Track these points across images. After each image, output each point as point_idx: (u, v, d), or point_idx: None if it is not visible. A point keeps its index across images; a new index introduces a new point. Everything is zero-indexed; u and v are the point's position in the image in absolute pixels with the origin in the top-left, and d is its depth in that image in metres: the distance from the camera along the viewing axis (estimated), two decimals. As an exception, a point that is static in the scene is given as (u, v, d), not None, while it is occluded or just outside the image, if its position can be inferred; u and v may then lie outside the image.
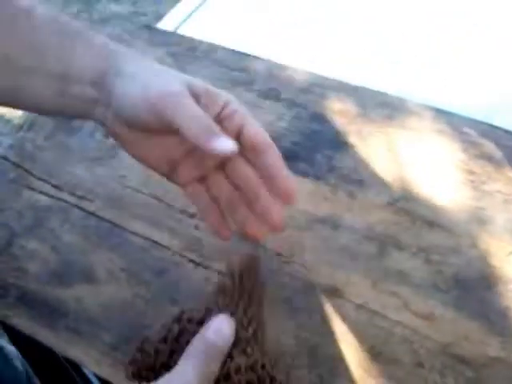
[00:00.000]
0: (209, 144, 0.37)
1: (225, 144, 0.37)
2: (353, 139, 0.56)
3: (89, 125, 0.61)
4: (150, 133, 0.41)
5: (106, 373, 0.45)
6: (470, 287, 0.47)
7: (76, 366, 0.58)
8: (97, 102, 0.41)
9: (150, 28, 0.71)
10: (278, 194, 0.40)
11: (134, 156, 0.43)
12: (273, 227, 0.40)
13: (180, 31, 0.73)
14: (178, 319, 0.40)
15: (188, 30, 0.73)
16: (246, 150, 0.41)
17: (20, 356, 0.56)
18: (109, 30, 0.75)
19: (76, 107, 0.42)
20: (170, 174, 0.44)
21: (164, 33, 0.71)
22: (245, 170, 0.42)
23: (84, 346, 0.47)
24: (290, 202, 0.40)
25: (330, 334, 0.45)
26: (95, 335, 0.47)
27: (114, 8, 2.10)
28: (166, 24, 0.75)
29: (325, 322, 0.46)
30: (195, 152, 0.43)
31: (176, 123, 0.38)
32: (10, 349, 0.59)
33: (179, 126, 0.38)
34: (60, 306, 0.49)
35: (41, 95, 0.42)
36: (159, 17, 0.82)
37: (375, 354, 0.44)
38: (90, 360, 0.46)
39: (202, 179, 0.44)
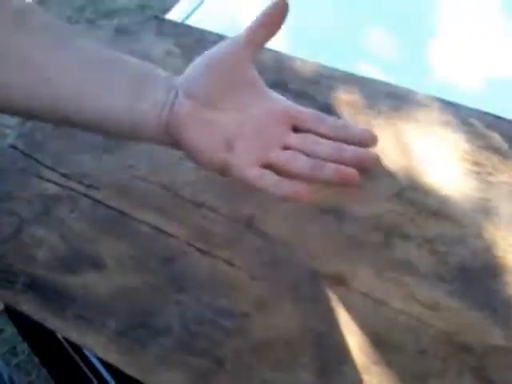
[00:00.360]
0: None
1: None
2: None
3: None
4: (215, 102, 0.45)
5: (112, 358, 0.46)
6: (475, 277, 0.47)
7: (78, 349, 0.59)
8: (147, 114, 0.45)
9: (158, 19, 0.71)
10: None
11: (191, 145, 0.45)
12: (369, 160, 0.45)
13: (188, 22, 0.74)
14: None
15: (196, 22, 0.74)
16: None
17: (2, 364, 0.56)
18: (116, 22, 0.75)
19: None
20: (226, 162, 0.45)
21: (173, 24, 0.71)
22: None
23: (91, 332, 0.47)
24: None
25: (335, 323, 0.46)
26: (102, 322, 0.48)
27: (120, 1, 2.11)
28: (174, 15, 0.76)
29: (330, 310, 0.46)
30: (258, 128, 0.45)
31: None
32: None
33: None
34: (68, 292, 0.50)
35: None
36: (165, 10, 0.82)
37: (379, 342, 0.45)
38: (97, 346, 0.47)
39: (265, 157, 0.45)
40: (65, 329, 0.48)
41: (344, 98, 0.59)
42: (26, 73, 0.44)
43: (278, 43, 0.69)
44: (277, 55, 0.64)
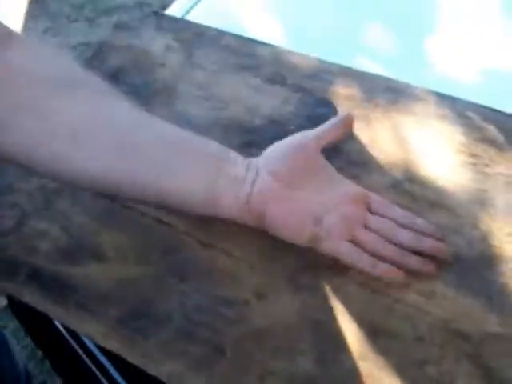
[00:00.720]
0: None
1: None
2: (358, 123, 0.57)
3: None
4: (296, 182, 0.48)
5: (113, 347, 0.46)
6: (471, 266, 0.48)
7: (81, 342, 0.60)
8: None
9: (157, 15, 0.72)
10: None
11: (277, 220, 0.48)
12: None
13: (187, 18, 0.74)
14: None
15: (195, 17, 0.74)
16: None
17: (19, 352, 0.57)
18: (116, 19, 0.76)
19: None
20: (316, 235, 0.48)
21: (172, 19, 0.72)
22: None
23: (92, 321, 0.48)
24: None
25: (333, 311, 0.46)
26: (104, 311, 0.48)
27: (119, -1, 2.11)
28: (174, 11, 0.76)
29: (328, 299, 0.47)
30: (340, 207, 0.48)
31: None
32: (13, 343, 0.61)
33: None
34: (70, 283, 0.50)
35: None
36: (164, 7, 0.83)
37: (377, 329, 0.45)
38: (97, 335, 0.47)
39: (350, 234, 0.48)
40: (66, 318, 0.49)
41: (342, 91, 0.60)
42: (109, 143, 0.46)
43: (278, 38, 0.70)
44: (275, 50, 0.65)
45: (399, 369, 0.44)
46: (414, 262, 0.47)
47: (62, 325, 0.71)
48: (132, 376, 0.75)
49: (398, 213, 0.50)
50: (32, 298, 0.50)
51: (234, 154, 0.49)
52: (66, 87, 0.46)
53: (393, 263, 0.47)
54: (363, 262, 0.47)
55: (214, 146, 0.50)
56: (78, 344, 0.72)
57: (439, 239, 0.48)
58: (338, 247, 0.47)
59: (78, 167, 0.46)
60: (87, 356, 0.70)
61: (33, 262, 0.52)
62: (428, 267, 0.47)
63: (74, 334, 0.73)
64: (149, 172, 0.47)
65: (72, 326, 0.48)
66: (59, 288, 0.50)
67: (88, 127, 0.46)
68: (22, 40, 0.48)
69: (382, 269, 0.47)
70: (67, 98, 0.46)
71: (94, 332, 0.47)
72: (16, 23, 2.14)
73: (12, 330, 1.33)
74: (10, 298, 0.74)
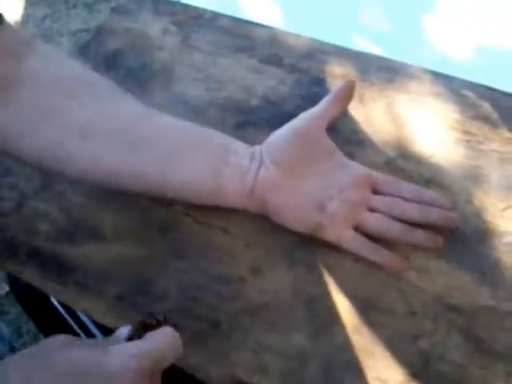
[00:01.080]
0: None
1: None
2: (353, 102, 0.57)
3: None
4: (299, 169, 0.48)
5: (111, 323, 0.47)
6: (465, 241, 0.48)
7: (72, 313, 0.61)
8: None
9: (154, -2, 0.72)
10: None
11: (281, 208, 0.48)
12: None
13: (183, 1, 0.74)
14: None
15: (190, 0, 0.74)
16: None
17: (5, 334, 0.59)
18: (113, 3, 0.76)
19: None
20: (320, 223, 0.48)
21: (169, 2, 0.72)
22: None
23: (91, 298, 0.49)
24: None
25: (327, 287, 0.47)
26: (102, 289, 0.49)
27: (117, -18, 2.09)
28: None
29: (323, 275, 0.48)
30: (344, 191, 0.49)
31: None
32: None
33: None
34: (69, 262, 0.51)
35: None
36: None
37: (370, 304, 0.46)
38: (96, 311, 0.48)
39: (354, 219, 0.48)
40: (65, 295, 0.49)
41: (337, 71, 0.60)
42: (116, 139, 0.48)
43: (274, 19, 0.70)
44: (271, 31, 0.65)
45: (392, 342, 0.44)
46: (419, 236, 0.47)
47: (62, 306, 0.72)
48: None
49: (405, 188, 0.49)
50: (31, 275, 0.51)
51: (237, 144, 0.50)
52: (77, 90, 0.49)
53: (398, 241, 0.47)
54: (366, 249, 0.47)
55: (217, 136, 0.50)
56: (78, 326, 0.73)
57: (448, 209, 0.48)
58: (341, 236, 0.48)
59: (88, 164, 0.48)
60: (87, 337, 0.71)
61: (32, 242, 0.53)
62: (435, 241, 0.47)
63: (74, 316, 0.74)
64: (156, 165, 0.48)
65: (70, 304, 0.49)
66: (58, 267, 0.51)
67: (96, 125, 0.48)
68: (38, 47, 0.50)
69: (384, 257, 0.47)
70: (78, 100, 0.48)
71: (93, 309, 0.48)
72: (15, 10, 2.14)
73: (14, 315, 1.35)
74: (12, 283, 0.75)
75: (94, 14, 2.01)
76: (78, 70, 0.51)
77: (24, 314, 1.23)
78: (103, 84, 0.51)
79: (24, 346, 1.33)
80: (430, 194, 0.49)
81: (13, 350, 0.62)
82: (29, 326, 1.32)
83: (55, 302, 0.75)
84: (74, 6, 2.11)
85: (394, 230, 0.47)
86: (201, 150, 0.49)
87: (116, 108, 0.50)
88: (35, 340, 1.32)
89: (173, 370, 0.44)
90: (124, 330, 0.39)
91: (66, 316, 0.75)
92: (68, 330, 0.75)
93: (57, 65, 0.50)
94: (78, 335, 0.76)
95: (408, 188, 0.49)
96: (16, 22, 2.10)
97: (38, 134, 0.48)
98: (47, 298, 0.74)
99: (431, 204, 0.48)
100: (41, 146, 0.48)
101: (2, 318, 1.35)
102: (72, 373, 0.34)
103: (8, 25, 0.48)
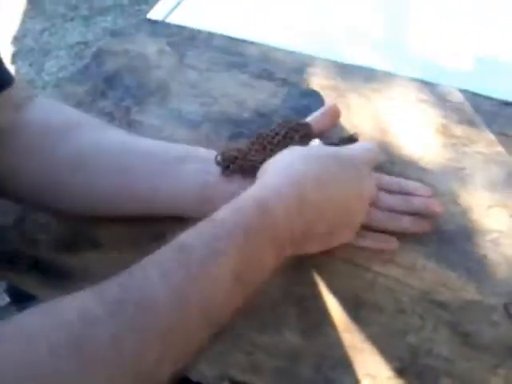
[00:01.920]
0: None
1: None
2: (342, 112, 0.59)
3: (87, 99, 0.66)
4: None
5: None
6: (451, 239, 0.49)
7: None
8: None
9: (151, 21, 0.75)
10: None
11: None
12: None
13: (171, 19, 0.77)
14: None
15: (178, 18, 0.76)
16: None
17: None
18: (110, 24, 0.79)
19: None
20: None
21: (164, 25, 0.75)
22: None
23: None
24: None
25: (317, 286, 0.48)
26: (101, 295, 0.51)
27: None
28: (157, 12, 0.78)
29: (312, 275, 0.49)
30: None
31: None
32: None
33: None
34: (68, 271, 0.53)
35: None
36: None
37: (360, 302, 0.47)
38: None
39: None
40: (65, 302, 0.51)
41: (326, 83, 0.62)
42: (105, 166, 0.52)
43: (265, 36, 0.73)
44: (262, 48, 0.68)
45: (381, 339, 0.45)
46: (405, 222, 0.49)
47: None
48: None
49: (387, 181, 0.51)
50: (32, 286, 0.52)
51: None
52: (65, 130, 0.53)
53: (384, 230, 0.49)
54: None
55: (201, 151, 0.53)
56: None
57: (429, 196, 0.50)
58: None
59: (82, 194, 0.52)
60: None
61: (33, 254, 0.54)
62: (421, 225, 0.49)
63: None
64: (146, 184, 0.51)
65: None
66: (58, 275, 0.53)
67: (84, 156, 0.52)
68: (35, 98, 0.55)
69: (381, 243, 0.49)
70: (66, 138, 0.52)
71: (91, 314, 0.50)
72: (13, 24, 2.19)
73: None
74: (12, 294, 0.77)
75: (90, 26, 2.04)
76: (68, 113, 0.56)
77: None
78: (88, 119, 0.55)
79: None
80: (412, 184, 0.51)
81: None
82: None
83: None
84: (72, 19, 2.14)
85: (381, 218, 0.49)
86: (184, 164, 0.51)
87: (101, 138, 0.54)
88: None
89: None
90: None
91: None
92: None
93: (47, 112, 0.55)
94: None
95: (391, 181, 0.51)
96: (15, 36, 2.14)
97: (32, 174, 0.52)
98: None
99: (413, 193, 0.50)
100: (35, 185, 0.52)
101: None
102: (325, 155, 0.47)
103: (15, 81, 0.53)
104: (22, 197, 0.54)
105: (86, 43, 2.00)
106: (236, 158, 0.50)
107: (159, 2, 0.78)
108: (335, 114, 0.57)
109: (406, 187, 0.51)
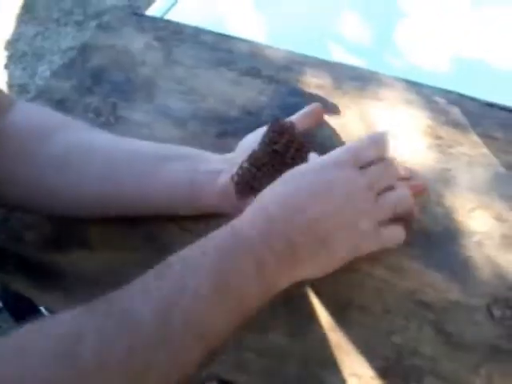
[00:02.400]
0: None
1: None
2: (328, 110, 0.59)
3: (74, 95, 0.66)
4: None
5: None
6: (436, 241, 0.50)
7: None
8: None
9: (138, 15, 0.75)
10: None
11: None
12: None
13: (166, 17, 0.77)
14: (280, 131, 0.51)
15: (173, 17, 0.77)
16: None
17: None
18: (104, 18, 0.79)
19: None
20: None
21: (151, 19, 0.75)
22: None
23: (79, 304, 0.50)
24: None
25: (304, 287, 0.49)
26: (89, 295, 0.51)
27: (109, 2, 2.13)
28: (153, 11, 0.79)
29: (300, 276, 0.50)
30: None
31: None
32: None
33: None
34: (56, 270, 0.53)
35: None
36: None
37: (346, 302, 0.48)
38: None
39: None
40: (53, 303, 0.51)
41: (313, 81, 0.63)
42: (93, 167, 0.52)
43: (253, 32, 0.73)
44: (250, 44, 0.68)
45: (367, 339, 0.46)
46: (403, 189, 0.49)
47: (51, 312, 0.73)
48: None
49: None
50: (20, 286, 0.53)
51: (208, 154, 0.54)
52: (49, 132, 0.53)
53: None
54: None
55: (188, 150, 0.54)
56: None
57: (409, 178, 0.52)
58: None
59: (71, 195, 0.52)
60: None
61: (20, 252, 0.54)
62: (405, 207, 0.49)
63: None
64: (133, 184, 0.51)
65: (58, 310, 0.51)
66: (46, 275, 0.53)
67: (72, 157, 0.52)
68: (16, 103, 0.55)
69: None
70: (50, 140, 0.52)
71: (80, 314, 0.50)
72: (6, 28, 2.17)
73: (5, 330, 1.36)
74: (3, 296, 0.76)
75: (84, 31, 2.05)
76: (51, 117, 0.56)
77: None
78: (73, 122, 0.55)
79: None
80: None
81: None
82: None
83: (45, 312, 0.76)
84: (65, 24, 2.14)
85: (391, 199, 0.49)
86: (172, 163, 0.52)
87: (88, 140, 0.54)
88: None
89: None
90: None
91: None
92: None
93: (29, 116, 0.55)
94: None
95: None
96: (8, 41, 2.13)
97: (15, 178, 0.52)
98: (38, 310, 0.76)
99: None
100: (23, 188, 0.52)
101: (-5, 333, 1.35)
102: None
103: None
104: (9, 202, 0.54)
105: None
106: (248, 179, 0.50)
107: (156, 1, 0.78)
108: (318, 113, 0.57)
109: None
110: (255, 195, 0.47)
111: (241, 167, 0.50)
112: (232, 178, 0.50)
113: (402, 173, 0.51)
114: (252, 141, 0.53)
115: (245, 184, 0.49)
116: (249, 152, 0.51)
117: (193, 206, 0.52)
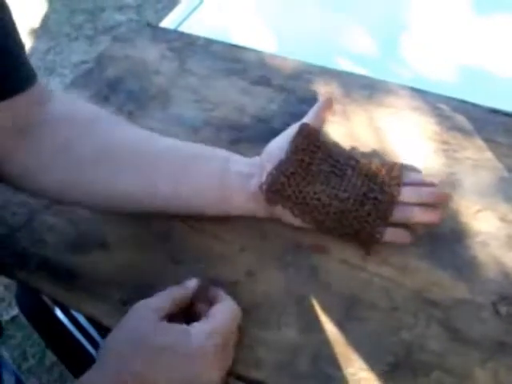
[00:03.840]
0: None
1: None
2: (337, 117, 0.62)
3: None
4: None
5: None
6: (442, 241, 0.52)
7: (66, 310, 0.64)
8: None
9: (151, 26, 0.77)
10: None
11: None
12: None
13: (182, 29, 0.80)
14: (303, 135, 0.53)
15: (186, 29, 0.80)
16: None
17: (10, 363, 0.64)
18: (114, 32, 0.81)
19: None
20: None
21: (165, 30, 0.77)
22: None
23: (97, 303, 0.52)
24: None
25: (315, 285, 0.51)
26: (107, 294, 0.53)
27: (118, 17, 2.19)
28: (167, 24, 0.82)
29: (311, 275, 0.51)
30: None
31: None
32: (5, 355, 0.66)
33: None
34: (76, 270, 0.55)
35: None
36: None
37: (356, 301, 0.50)
38: (102, 314, 0.52)
39: None
40: (73, 301, 0.53)
41: (322, 89, 0.65)
42: (127, 162, 0.53)
43: (263, 44, 0.75)
44: (260, 54, 0.70)
45: (376, 336, 0.48)
46: (415, 212, 0.51)
47: (67, 318, 0.75)
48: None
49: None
50: (41, 284, 0.54)
51: (236, 156, 0.55)
52: (87, 125, 0.54)
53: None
54: None
55: (217, 150, 0.55)
56: (83, 335, 0.76)
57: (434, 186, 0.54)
58: None
59: (105, 190, 0.53)
60: (91, 345, 0.74)
61: (42, 253, 0.56)
62: (430, 214, 0.52)
63: (79, 327, 0.77)
64: (166, 180, 0.52)
65: (77, 308, 0.53)
66: (66, 275, 0.55)
67: (107, 152, 0.53)
68: (54, 94, 0.56)
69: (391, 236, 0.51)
70: (91, 132, 0.54)
71: (99, 312, 0.52)
72: None
73: (20, 340, 1.38)
74: (20, 301, 0.78)
75: (94, 46, 2.09)
76: (88, 108, 0.57)
77: (29, 338, 1.26)
78: (109, 116, 0.56)
79: (29, 369, 1.35)
80: (416, 175, 0.55)
81: (18, 380, 0.65)
82: (34, 349, 1.35)
83: (60, 316, 0.78)
84: (76, 39, 2.19)
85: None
86: (204, 163, 0.53)
87: (123, 134, 0.55)
88: (40, 364, 1.35)
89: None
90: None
91: (72, 328, 0.79)
92: (73, 342, 0.78)
93: (69, 106, 0.56)
94: (82, 346, 0.79)
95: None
96: None
97: (56, 168, 0.53)
98: (53, 313, 0.78)
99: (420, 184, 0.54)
100: (58, 179, 0.53)
101: (8, 343, 1.38)
102: (162, 353, 0.43)
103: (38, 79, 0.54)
104: (48, 191, 0.54)
105: (89, 62, 2.05)
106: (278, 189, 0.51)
107: (171, 13, 0.81)
108: (330, 105, 0.58)
109: (414, 179, 0.54)
110: (284, 202, 0.51)
111: (270, 175, 0.52)
112: (261, 185, 0.52)
113: (427, 182, 0.54)
114: (277, 146, 0.54)
115: (274, 192, 0.51)
116: (276, 157, 0.53)
117: (222, 207, 0.54)
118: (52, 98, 0.55)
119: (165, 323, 0.45)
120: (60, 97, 0.57)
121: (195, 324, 0.46)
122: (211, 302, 0.48)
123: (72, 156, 0.53)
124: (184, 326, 0.45)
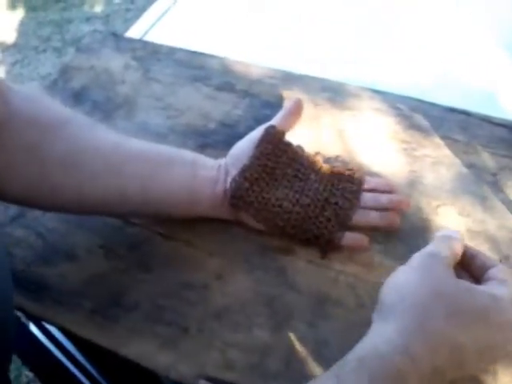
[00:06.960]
0: None
1: None
2: (301, 120, 0.63)
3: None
4: None
5: (87, 334, 0.51)
6: (405, 237, 0.53)
7: (41, 325, 0.64)
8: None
9: (116, 36, 0.78)
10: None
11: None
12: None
13: (144, 39, 0.80)
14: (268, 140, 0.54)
15: (151, 38, 0.80)
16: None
17: None
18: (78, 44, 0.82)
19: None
20: None
21: (129, 40, 0.78)
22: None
23: (68, 313, 0.53)
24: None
25: (283, 286, 0.52)
26: (77, 304, 0.53)
27: (86, 28, 2.18)
28: (132, 34, 0.82)
29: (279, 276, 0.52)
30: None
31: None
32: None
33: None
34: (45, 282, 0.55)
35: None
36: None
37: (323, 299, 0.51)
38: (73, 324, 0.52)
39: None
40: (43, 312, 0.53)
41: (285, 94, 0.66)
42: (98, 167, 0.52)
43: (225, 51, 0.76)
44: (223, 60, 0.71)
45: (344, 332, 0.49)
46: (374, 216, 0.53)
47: (43, 332, 0.75)
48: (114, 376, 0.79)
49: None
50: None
51: (204, 159, 0.55)
52: (52, 125, 0.52)
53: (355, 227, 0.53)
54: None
55: (186, 153, 0.56)
56: (59, 350, 0.76)
57: (392, 191, 0.55)
58: None
59: (74, 194, 0.52)
60: (67, 359, 0.74)
61: (11, 267, 0.56)
62: (388, 219, 0.53)
63: (55, 341, 0.77)
64: (136, 184, 0.53)
65: (49, 319, 0.53)
66: (36, 288, 0.55)
67: (77, 156, 0.52)
68: (12, 90, 0.53)
69: (349, 240, 0.53)
70: (54, 134, 0.52)
71: (69, 322, 0.52)
72: None
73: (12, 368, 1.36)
74: None
75: (62, 57, 2.08)
76: (55, 109, 0.54)
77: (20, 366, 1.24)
78: (77, 117, 0.55)
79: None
80: (374, 180, 0.56)
81: None
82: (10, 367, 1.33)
83: (36, 332, 0.77)
84: (44, 51, 2.17)
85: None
86: (173, 167, 0.54)
87: (93, 138, 0.54)
88: (17, 382, 1.33)
89: (143, 373, 0.48)
90: None
91: (48, 343, 0.78)
92: (50, 358, 0.78)
93: (32, 105, 0.53)
94: (59, 362, 0.79)
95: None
96: None
97: (21, 171, 0.51)
98: (28, 330, 0.77)
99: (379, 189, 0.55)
100: (24, 182, 0.51)
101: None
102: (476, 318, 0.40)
103: None
104: (9, 196, 0.53)
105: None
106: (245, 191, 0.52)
107: (136, 23, 0.81)
108: (299, 109, 0.58)
109: (370, 183, 0.55)
110: (247, 207, 0.52)
111: (233, 181, 0.53)
112: (225, 191, 0.53)
113: (387, 188, 0.55)
114: (242, 149, 0.55)
115: (238, 198, 0.52)
116: (240, 161, 0.54)
117: (190, 211, 0.55)
118: (12, 93, 0.52)
119: (468, 283, 0.42)
120: (23, 93, 0.53)
121: (492, 287, 0.42)
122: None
123: (37, 158, 0.51)
124: (487, 288, 0.42)
